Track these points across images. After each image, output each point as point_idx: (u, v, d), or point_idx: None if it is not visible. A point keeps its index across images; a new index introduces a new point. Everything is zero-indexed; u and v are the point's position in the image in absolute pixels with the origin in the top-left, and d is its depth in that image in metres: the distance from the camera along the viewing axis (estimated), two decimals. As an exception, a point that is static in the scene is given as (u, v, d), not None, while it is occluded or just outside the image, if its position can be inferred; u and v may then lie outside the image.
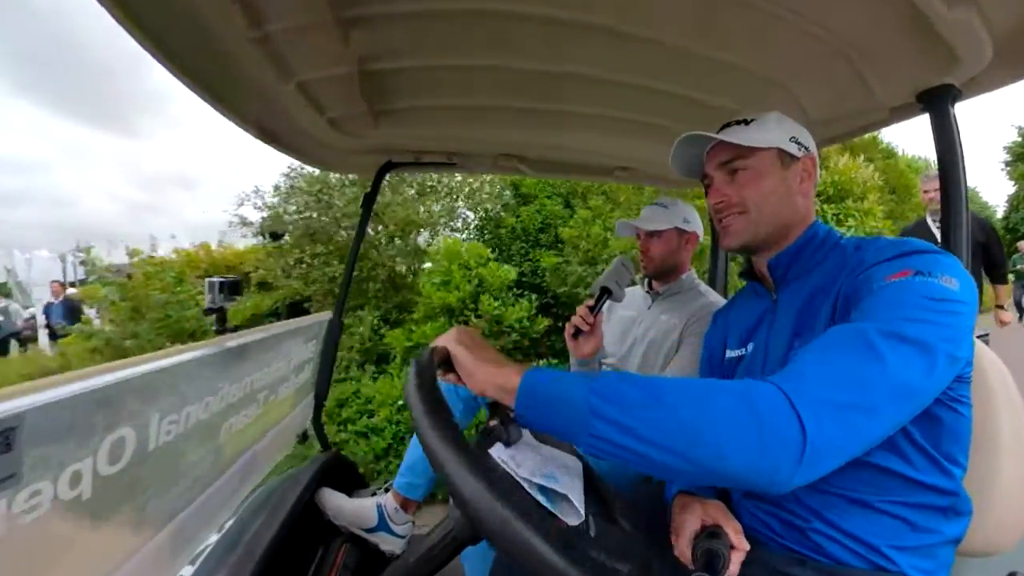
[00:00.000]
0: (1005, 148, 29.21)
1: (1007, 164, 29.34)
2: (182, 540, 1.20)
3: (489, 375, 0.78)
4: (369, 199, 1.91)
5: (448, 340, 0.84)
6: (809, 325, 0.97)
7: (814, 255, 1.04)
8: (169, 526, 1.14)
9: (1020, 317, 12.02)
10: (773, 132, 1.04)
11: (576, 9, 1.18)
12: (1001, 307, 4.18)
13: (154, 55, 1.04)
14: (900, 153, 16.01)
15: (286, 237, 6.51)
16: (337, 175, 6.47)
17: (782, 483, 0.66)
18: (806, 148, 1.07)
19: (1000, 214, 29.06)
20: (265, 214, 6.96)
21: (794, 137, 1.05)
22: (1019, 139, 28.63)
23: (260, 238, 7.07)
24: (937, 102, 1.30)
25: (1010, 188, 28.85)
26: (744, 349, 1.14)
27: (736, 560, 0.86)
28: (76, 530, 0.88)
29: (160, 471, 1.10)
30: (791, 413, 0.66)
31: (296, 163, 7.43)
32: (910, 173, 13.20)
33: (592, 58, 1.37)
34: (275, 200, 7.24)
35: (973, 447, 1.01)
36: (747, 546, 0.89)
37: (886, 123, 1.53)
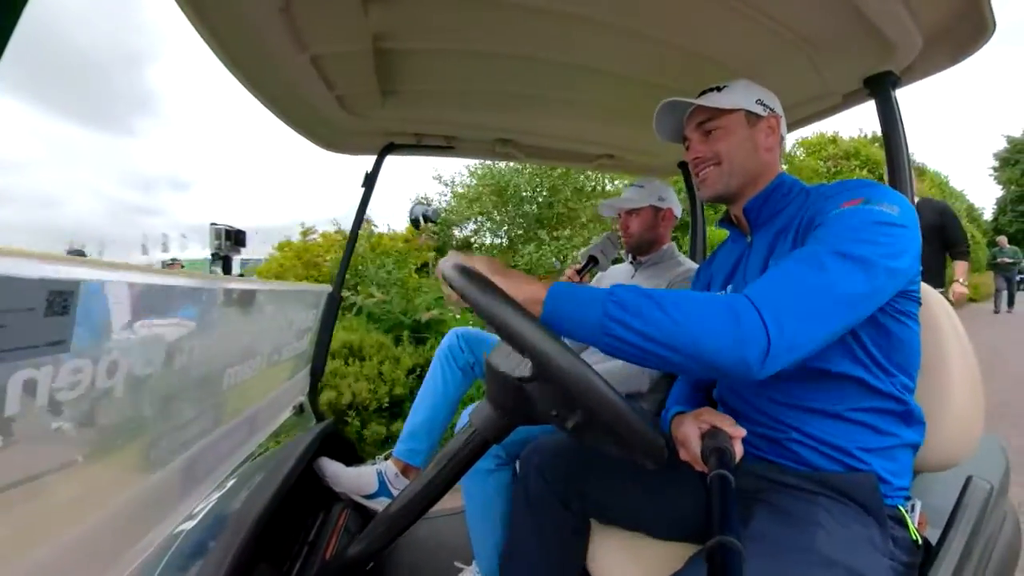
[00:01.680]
0: (995, 155, 33.01)
1: (995, 170, 32.96)
2: (192, 476, 1.19)
3: (521, 288, 0.87)
4: (370, 179, 1.94)
5: (479, 263, 0.91)
6: (777, 257, 1.08)
7: (782, 199, 1.16)
8: (180, 459, 1.15)
9: (996, 308, 12.71)
10: (740, 96, 1.16)
11: (570, 3, 1.26)
12: (958, 281, 4.45)
13: (189, 17, 1.08)
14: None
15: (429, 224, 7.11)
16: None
17: (753, 373, 0.79)
18: (771, 109, 1.18)
19: (988, 215, 32.26)
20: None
21: (760, 99, 1.17)
22: (1008, 147, 32.17)
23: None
24: (880, 87, 1.43)
25: (998, 192, 32.57)
26: (724, 291, 1.24)
27: (739, 446, 0.95)
28: (101, 423, 0.88)
29: (177, 395, 1.11)
30: (758, 319, 0.79)
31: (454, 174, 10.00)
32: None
33: (581, 49, 1.46)
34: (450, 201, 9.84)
35: (927, 372, 1.14)
36: (743, 431, 0.98)
37: (840, 108, 1.64)
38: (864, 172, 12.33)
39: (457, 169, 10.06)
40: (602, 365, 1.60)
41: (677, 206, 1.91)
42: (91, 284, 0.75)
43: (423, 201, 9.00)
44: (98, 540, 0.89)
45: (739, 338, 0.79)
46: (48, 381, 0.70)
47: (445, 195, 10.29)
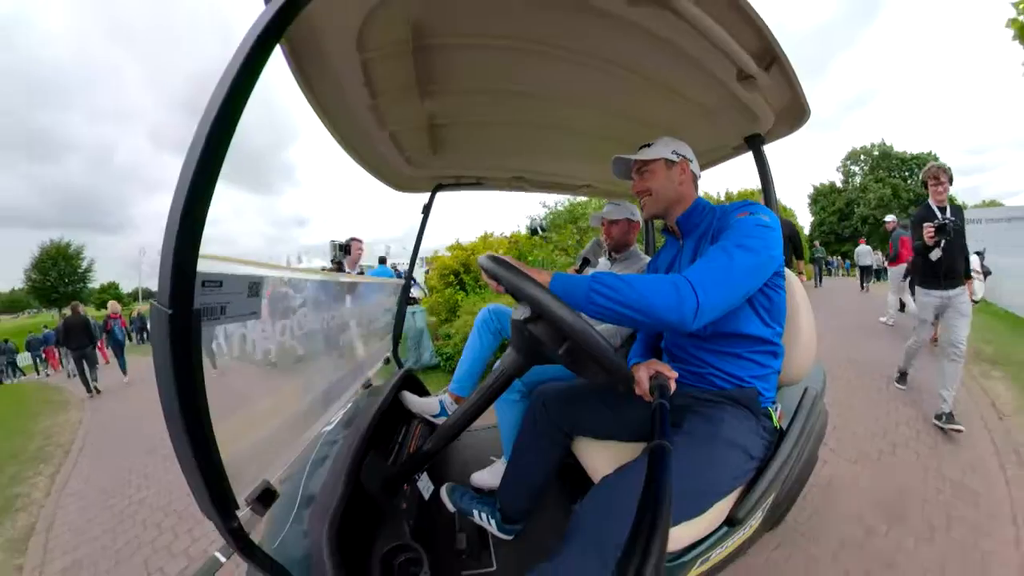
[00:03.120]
0: (808, 196, 39.22)
1: (809, 205, 39.53)
2: (332, 395, 1.29)
3: (538, 275, 0.91)
4: (427, 208, 1.94)
5: (509, 258, 0.95)
6: (700, 254, 1.11)
7: (700, 215, 1.18)
8: (327, 385, 1.24)
9: (816, 285, 13.73)
10: (661, 149, 1.18)
11: (558, 91, 1.28)
12: (800, 273, 5.61)
13: (319, 115, 1.14)
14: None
15: (545, 232, 7.08)
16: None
17: (688, 326, 0.83)
18: (683, 156, 1.19)
19: (807, 231, 37.60)
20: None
21: (674, 150, 1.18)
22: (813, 191, 38.15)
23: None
24: (754, 143, 1.47)
25: (811, 218, 39.11)
26: None
27: (673, 384, 0.98)
28: (279, 368, 0.98)
29: (323, 347, 1.20)
30: (691, 290, 0.84)
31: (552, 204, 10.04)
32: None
33: (566, 118, 1.47)
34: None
35: (786, 323, 1.20)
36: (676, 374, 1.00)
37: (732, 155, 1.65)
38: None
39: (558, 199, 10.05)
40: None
41: (640, 219, 1.91)
42: (269, 278, 0.86)
43: (535, 218, 9.13)
44: (284, 430, 1.00)
45: (679, 302, 0.83)
46: (249, 334, 0.81)
47: (544, 216, 10.25)
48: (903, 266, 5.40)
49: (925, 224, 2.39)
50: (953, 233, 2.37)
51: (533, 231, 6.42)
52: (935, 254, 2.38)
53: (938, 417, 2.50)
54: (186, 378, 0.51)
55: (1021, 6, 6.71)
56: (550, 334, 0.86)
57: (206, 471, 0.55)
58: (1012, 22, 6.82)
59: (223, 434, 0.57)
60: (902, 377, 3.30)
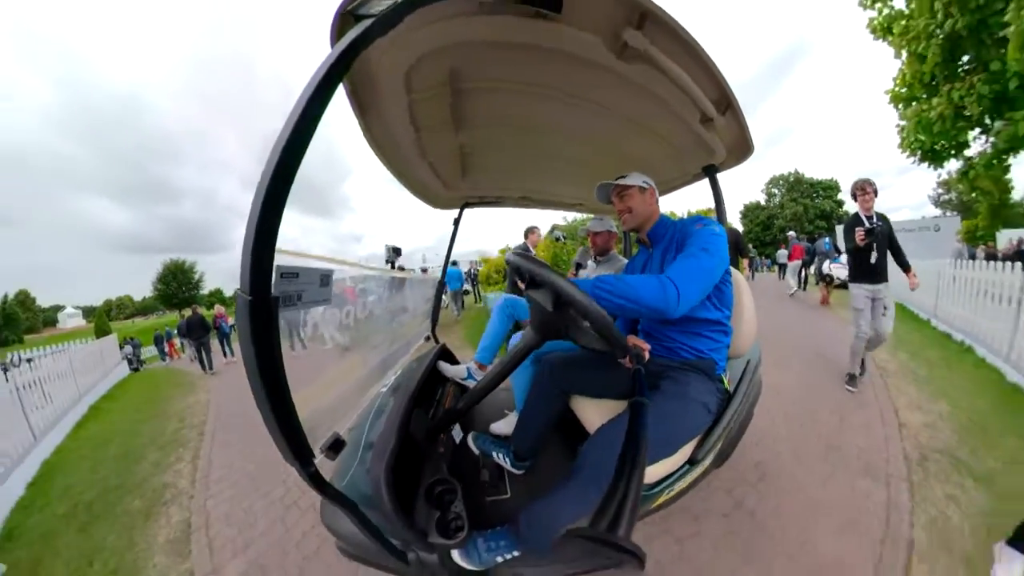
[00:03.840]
0: (739, 211, 35.84)
1: (740, 217, 36.19)
2: (387, 364, 1.24)
3: None
4: (456, 222, 1.88)
5: (533, 256, 0.93)
6: (667, 261, 1.07)
7: (664, 228, 1.16)
8: (380, 358, 1.19)
9: (751, 278, 13.33)
10: (635, 179, 1.16)
11: (556, 127, 1.22)
12: (743, 267, 6.40)
13: (374, 150, 1.09)
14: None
15: (564, 239, 6.90)
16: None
17: (671, 314, 0.83)
18: (651, 185, 1.18)
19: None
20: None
21: (645, 180, 1.17)
22: (743, 208, 35.17)
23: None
24: (710, 172, 1.42)
25: (741, 228, 36.06)
26: None
27: (647, 354, 1.01)
28: (346, 343, 0.94)
29: (380, 326, 1.15)
30: (672, 286, 0.81)
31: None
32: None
33: (560, 149, 1.40)
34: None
35: (734, 308, 1.18)
36: (648, 346, 1.04)
37: (692, 181, 1.58)
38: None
39: (573, 214, 10.00)
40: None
41: (618, 230, 1.88)
42: (337, 271, 0.80)
43: (558, 228, 9.17)
44: (350, 392, 0.96)
45: (664, 295, 0.82)
46: (322, 316, 0.76)
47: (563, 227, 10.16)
48: (797, 262, 7.11)
49: (856, 228, 2.19)
50: (880, 236, 2.19)
51: (556, 238, 6.43)
52: (873, 256, 2.19)
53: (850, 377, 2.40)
54: (266, 354, 0.47)
55: (868, 2, 6.30)
56: (569, 316, 0.83)
57: (286, 430, 0.51)
58: (870, 22, 6.49)
59: (302, 398, 0.53)
60: (851, 379, 2.46)
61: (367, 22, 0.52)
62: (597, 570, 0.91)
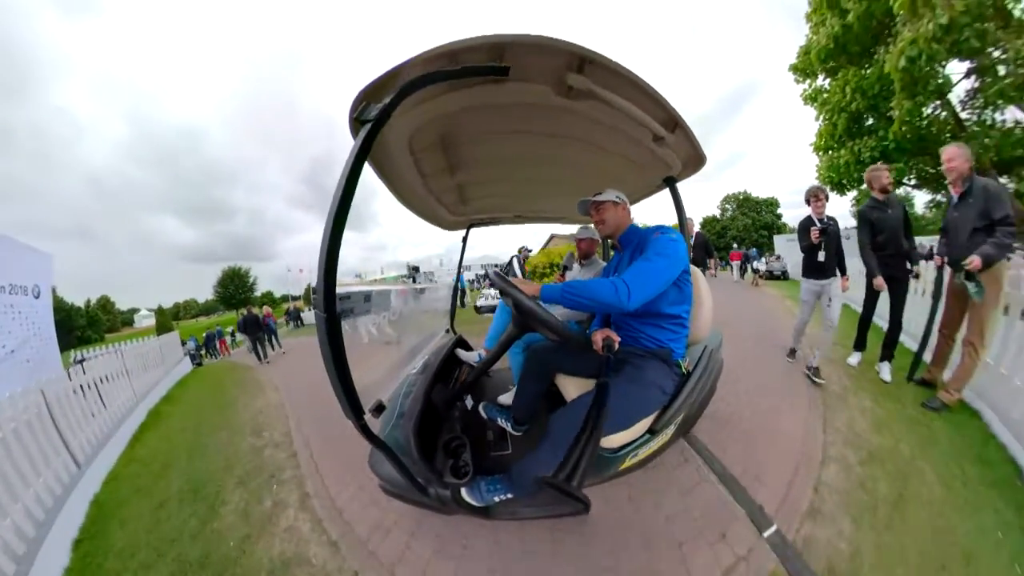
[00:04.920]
0: (698, 224, 34.03)
1: (700, 228, 36.23)
2: (416, 351, 1.49)
3: (529, 287, 1.03)
4: (464, 240, 2.00)
5: (503, 275, 1.08)
6: (632, 259, 1.14)
7: (632, 236, 1.23)
8: (414, 344, 1.45)
9: (714, 275, 13.15)
10: (609, 195, 1.24)
11: (537, 157, 1.33)
12: (715, 267, 7.88)
13: (391, 190, 1.24)
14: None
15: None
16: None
17: (625, 308, 0.91)
18: (623, 199, 1.26)
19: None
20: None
21: (618, 196, 1.25)
22: (702, 220, 34.14)
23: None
24: (670, 183, 1.50)
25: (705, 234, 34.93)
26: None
27: (616, 344, 1.06)
28: (386, 338, 1.20)
29: (409, 325, 1.42)
30: (624, 286, 0.92)
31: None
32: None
33: (545, 172, 1.51)
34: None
35: (694, 302, 1.26)
36: (619, 337, 1.08)
37: (654, 192, 1.63)
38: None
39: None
40: (561, 311, 1.63)
41: (599, 237, 1.95)
42: (375, 291, 1.06)
43: (524, 249, 8.61)
44: (391, 370, 1.20)
45: (616, 294, 0.90)
46: (369, 322, 1.03)
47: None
48: (738, 262, 10.53)
49: (811, 228, 2.32)
50: (831, 235, 2.32)
51: (517, 260, 6.66)
52: (821, 255, 2.33)
53: (809, 368, 2.38)
54: (336, 350, 0.68)
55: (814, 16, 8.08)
56: (528, 315, 1.02)
57: (349, 397, 0.70)
58: (802, 92, 9.05)
59: (358, 377, 0.71)
60: (791, 353, 2.76)
61: (368, 125, 0.67)
62: (565, 515, 1.06)
